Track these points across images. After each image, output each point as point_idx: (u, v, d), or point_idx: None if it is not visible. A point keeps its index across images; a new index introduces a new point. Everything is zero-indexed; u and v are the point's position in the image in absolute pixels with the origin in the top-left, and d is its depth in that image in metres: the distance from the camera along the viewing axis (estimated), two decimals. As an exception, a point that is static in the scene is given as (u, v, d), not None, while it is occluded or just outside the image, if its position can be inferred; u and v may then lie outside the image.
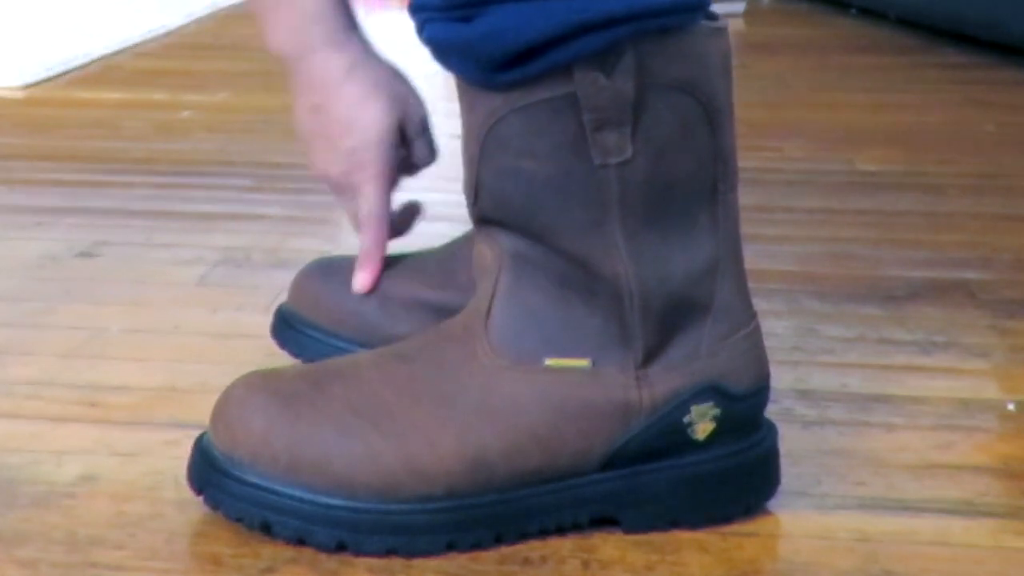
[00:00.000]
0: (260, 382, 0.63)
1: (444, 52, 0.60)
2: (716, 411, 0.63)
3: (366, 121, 0.78)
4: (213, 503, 0.61)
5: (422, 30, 0.62)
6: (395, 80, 0.80)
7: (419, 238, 0.84)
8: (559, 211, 0.60)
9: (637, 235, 0.60)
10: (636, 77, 0.58)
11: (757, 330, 0.65)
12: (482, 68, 0.59)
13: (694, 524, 0.64)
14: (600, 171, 0.59)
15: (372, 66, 0.79)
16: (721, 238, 0.62)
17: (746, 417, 0.64)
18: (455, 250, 0.79)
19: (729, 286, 0.63)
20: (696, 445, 0.63)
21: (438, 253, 0.81)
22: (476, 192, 0.62)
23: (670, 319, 0.62)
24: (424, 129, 0.82)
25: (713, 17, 0.61)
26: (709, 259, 0.62)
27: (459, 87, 0.61)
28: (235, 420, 0.61)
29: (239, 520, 0.61)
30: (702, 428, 0.63)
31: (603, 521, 0.63)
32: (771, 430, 0.66)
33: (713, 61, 0.60)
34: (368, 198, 0.79)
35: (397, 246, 0.83)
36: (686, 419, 0.62)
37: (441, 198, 1.11)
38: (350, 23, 0.80)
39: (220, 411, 0.62)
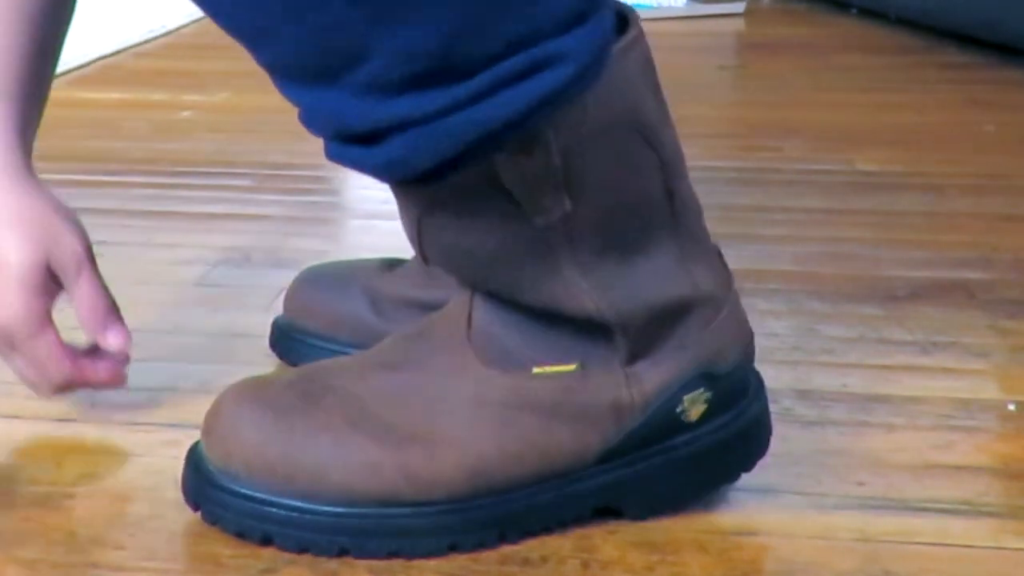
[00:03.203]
0: (250, 394, 0.62)
1: (347, 166, 0.58)
2: (707, 395, 0.63)
3: (1, 255, 0.68)
4: (212, 518, 0.61)
5: (324, 143, 0.59)
6: (45, 211, 0.70)
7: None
8: (511, 273, 0.59)
9: (595, 268, 0.59)
10: (558, 144, 0.55)
11: (737, 302, 0.65)
12: (392, 183, 0.58)
13: (696, 498, 0.64)
14: (543, 230, 0.58)
15: (17, 193, 0.69)
16: (681, 231, 0.61)
17: (736, 388, 0.64)
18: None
19: (702, 271, 0.62)
20: (689, 426, 0.63)
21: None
22: (425, 261, 0.61)
23: (654, 324, 0.62)
24: (83, 269, 0.71)
25: (625, 21, 0.58)
26: (675, 257, 0.61)
27: None
28: (228, 433, 0.61)
29: (239, 535, 0.61)
30: (695, 412, 0.63)
31: (606, 513, 0.63)
32: (758, 386, 0.66)
33: (634, 81, 0.57)
34: (28, 355, 0.70)
35: (393, 249, 0.83)
36: (679, 409, 0.62)
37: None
38: (10, 137, 0.70)
39: (211, 425, 0.62)
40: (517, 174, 0.56)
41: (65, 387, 0.72)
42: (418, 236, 0.60)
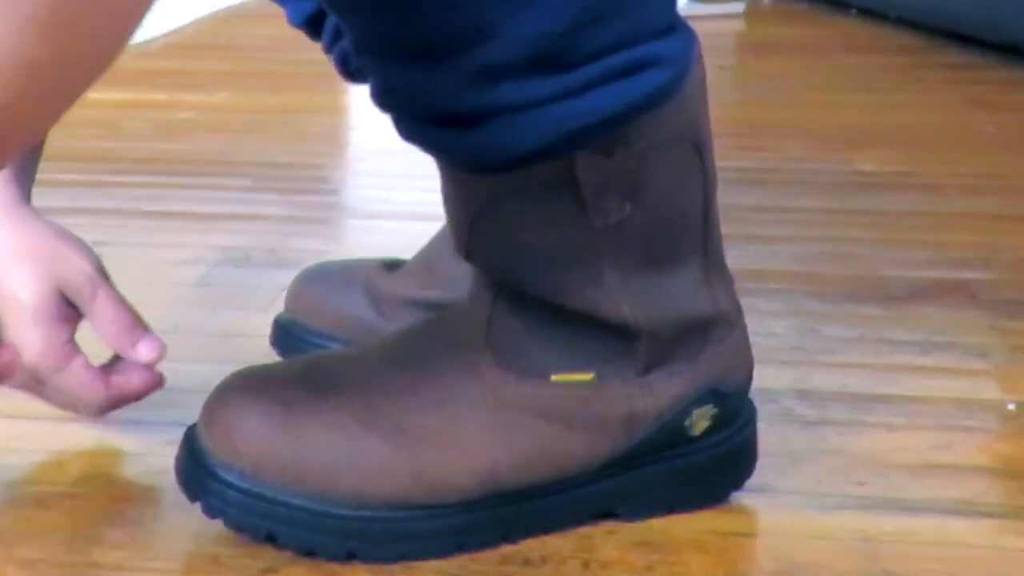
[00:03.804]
0: (258, 386, 0.61)
1: (428, 149, 0.58)
2: (714, 411, 0.63)
3: (12, 294, 0.66)
4: (212, 512, 0.60)
5: (397, 123, 0.58)
6: (47, 240, 0.68)
7: (421, 240, 0.84)
8: (557, 272, 0.59)
9: (635, 275, 0.60)
10: (637, 148, 0.56)
11: (744, 324, 0.65)
12: (472, 170, 0.57)
13: (689, 508, 0.65)
14: (597, 232, 0.58)
15: (15, 227, 0.67)
16: (709, 250, 0.62)
17: (736, 409, 0.65)
18: (432, 248, 0.81)
19: (722, 291, 0.63)
20: (691, 440, 0.64)
21: (420, 254, 0.82)
22: (467, 257, 0.61)
23: (677, 336, 0.62)
24: (97, 289, 0.69)
25: (689, 36, 0.59)
26: (702, 274, 0.62)
27: (439, 163, 0.60)
28: (235, 427, 0.59)
29: (240, 530, 0.60)
30: (700, 426, 0.63)
31: (603, 515, 0.64)
32: (751, 411, 0.67)
33: (698, 96, 0.59)
34: (60, 388, 0.68)
35: (394, 249, 0.83)
36: (686, 422, 0.63)
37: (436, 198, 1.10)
38: (5, 172, 0.67)
39: (215, 417, 0.60)
40: (594, 172, 0.56)
41: (106, 408, 0.70)
42: (469, 229, 0.60)
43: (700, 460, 0.64)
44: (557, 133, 0.54)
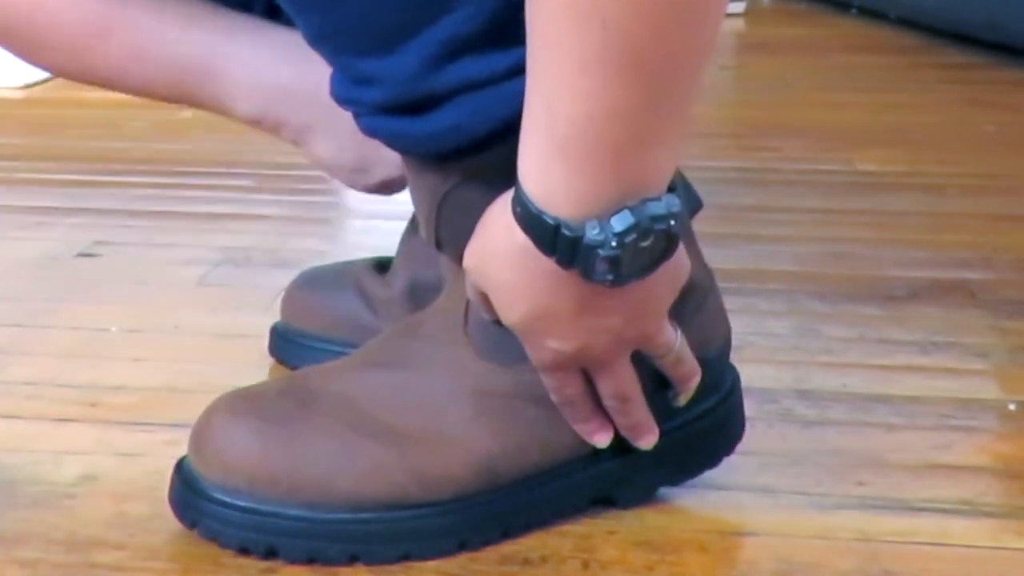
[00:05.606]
0: (243, 405, 0.61)
1: (390, 140, 0.58)
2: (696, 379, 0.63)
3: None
4: (211, 534, 0.60)
5: (357, 117, 0.58)
6: None
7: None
8: None
9: None
10: None
11: (717, 289, 0.65)
12: (434, 155, 0.57)
13: (683, 480, 0.65)
14: None
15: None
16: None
17: (717, 373, 0.65)
18: (406, 238, 0.81)
19: (694, 260, 0.62)
20: (678, 412, 0.63)
21: (399, 249, 0.83)
22: (437, 246, 0.61)
23: None
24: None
25: None
26: None
27: (401, 154, 0.59)
28: (225, 446, 0.59)
29: (243, 550, 0.59)
30: (683, 397, 0.63)
31: (601, 503, 0.64)
32: (735, 376, 0.67)
33: None
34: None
35: (394, 249, 0.83)
36: (671, 394, 0.63)
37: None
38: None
39: (205, 439, 0.60)
40: None
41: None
42: (436, 216, 0.59)
43: (689, 433, 0.64)
44: (514, 110, 0.53)
